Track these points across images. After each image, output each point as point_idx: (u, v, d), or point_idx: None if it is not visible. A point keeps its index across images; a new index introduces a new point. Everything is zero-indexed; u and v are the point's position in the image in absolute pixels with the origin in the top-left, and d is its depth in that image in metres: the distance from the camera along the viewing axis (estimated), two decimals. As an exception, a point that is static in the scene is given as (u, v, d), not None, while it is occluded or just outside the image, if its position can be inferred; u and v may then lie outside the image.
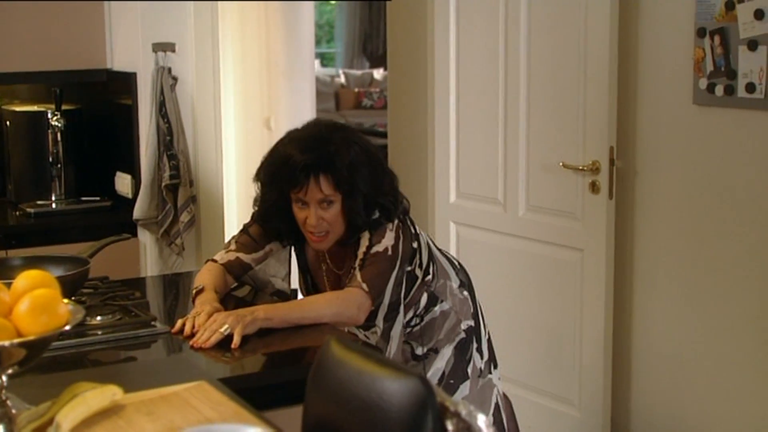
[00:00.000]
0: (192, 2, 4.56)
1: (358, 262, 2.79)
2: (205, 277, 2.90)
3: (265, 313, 2.65)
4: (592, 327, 4.00)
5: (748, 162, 3.55)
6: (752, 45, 3.46)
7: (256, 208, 2.95)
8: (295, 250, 3.05)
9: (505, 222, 4.32)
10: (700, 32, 3.62)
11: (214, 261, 2.96)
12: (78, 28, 4.68)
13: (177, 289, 3.48)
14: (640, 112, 3.89)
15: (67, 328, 1.87)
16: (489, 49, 4.32)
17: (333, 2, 14.47)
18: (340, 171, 2.75)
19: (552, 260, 4.16)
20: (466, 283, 3.11)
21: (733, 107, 3.55)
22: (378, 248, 2.80)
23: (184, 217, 4.47)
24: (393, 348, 2.94)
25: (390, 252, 2.80)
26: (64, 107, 4.63)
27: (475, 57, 4.41)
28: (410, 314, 2.95)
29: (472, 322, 3.05)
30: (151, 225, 4.51)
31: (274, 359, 2.64)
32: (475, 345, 3.04)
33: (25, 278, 1.94)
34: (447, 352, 2.99)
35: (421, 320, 2.98)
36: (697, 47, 3.63)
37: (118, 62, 4.72)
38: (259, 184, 2.91)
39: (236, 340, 2.54)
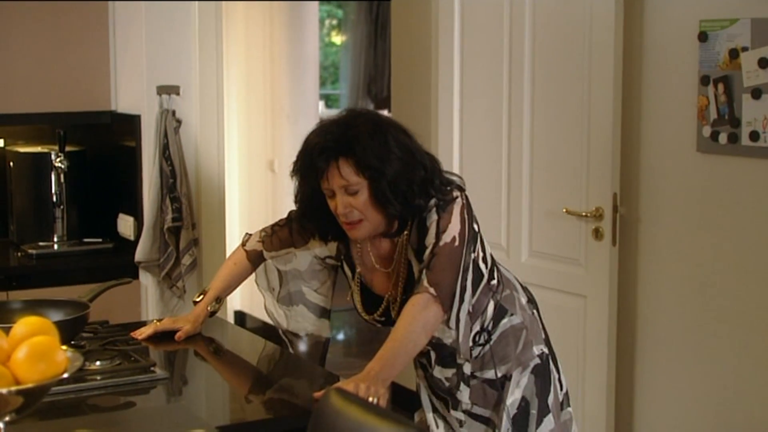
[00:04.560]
0: (197, 45, 4.57)
1: (427, 255, 2.61)
2: (221, 276, 3.08)
3: (380, 367, 2.49)
4: (594, 373, 3.98)
5: (751, 210, 3.54)
6: (756, 93, 3.46)
7: (296, 206, 2.78)
8: (345, 261, 2.86)
9: (508, 267, 4.25)
10: (704, 80, 3.62)
11: (243, 246, 3.05)
12: (83, 69, 4.69)
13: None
14: (644, 159, 3.89)
15: (65, 375, 1.86)
16: (493, 93, 4.33)
17: (338, 44, 14.55)
18: (361, 155, 2.54)
19: (555, 306, 4.13)
20: (534, 302, 2.95)
21: (737, 155, 3.55)
22: (446, 238, 2.60)
23: (186, 260, 4.46)
24: (461, 333, 2.66)
25: (457, 242, 2.61)
26: (67, 148, 4.63)
27: (479, 101, 4.42)
28: (477, 326, 2.74)
29: (545, 349, 2.86)
30: (152, 267, 4.49)
31: (273, 407, 2.62)
32: (554, 374, 2.86)
33: (23, 325, 1.92)
34: (524, 380, 2.78)
35: (490, 337, 2.77)
36: (701, 95, 3.64)
37: (123, 104, 4.73)
38: (295, 180, 2.72)
39: (382, 403, 2.38)
